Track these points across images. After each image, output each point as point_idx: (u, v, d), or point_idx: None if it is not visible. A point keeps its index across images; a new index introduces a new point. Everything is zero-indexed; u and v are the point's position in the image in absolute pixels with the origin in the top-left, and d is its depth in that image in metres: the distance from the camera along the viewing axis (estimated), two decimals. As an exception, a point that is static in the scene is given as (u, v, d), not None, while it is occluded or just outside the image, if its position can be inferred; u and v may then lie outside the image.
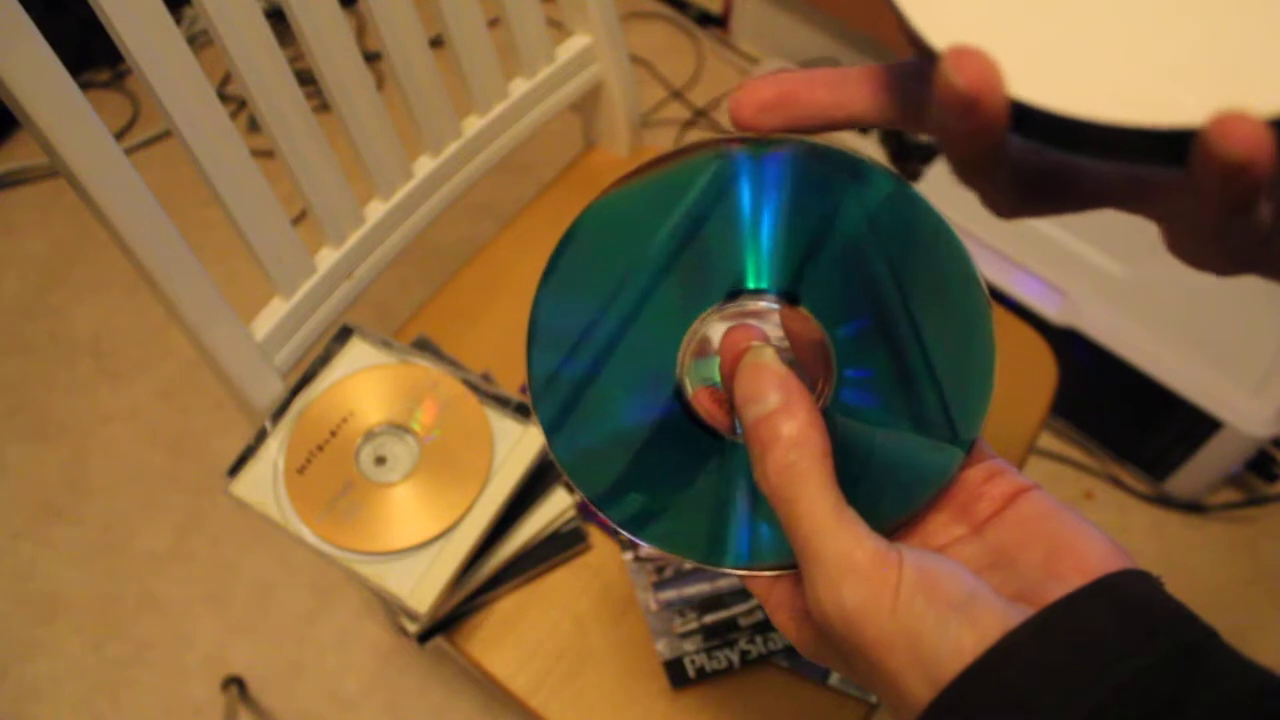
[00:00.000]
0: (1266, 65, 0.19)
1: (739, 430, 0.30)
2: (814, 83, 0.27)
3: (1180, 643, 0.22)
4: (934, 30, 0.21)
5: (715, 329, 0.30)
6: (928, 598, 0.24)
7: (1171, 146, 0.19)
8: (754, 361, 0.28)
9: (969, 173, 0.23)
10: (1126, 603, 0.23)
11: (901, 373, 0.30)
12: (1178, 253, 0.25)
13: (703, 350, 0.31)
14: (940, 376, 0.30)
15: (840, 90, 0.27)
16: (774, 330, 0.30)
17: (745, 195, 0.30)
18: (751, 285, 0.30)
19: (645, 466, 0.30)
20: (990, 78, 0.20)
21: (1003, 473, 0.29)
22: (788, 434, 0.26)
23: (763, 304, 0.30)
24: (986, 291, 0.30)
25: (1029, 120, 0.21)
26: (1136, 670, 0.21)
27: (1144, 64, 0.20)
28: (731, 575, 0.30)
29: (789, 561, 0.29)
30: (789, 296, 0.30)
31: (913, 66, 0.26)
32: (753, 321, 0.30)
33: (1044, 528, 0.27)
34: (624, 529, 0.30)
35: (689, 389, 0.31)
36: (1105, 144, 0.20)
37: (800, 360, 0.30)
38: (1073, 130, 0.20)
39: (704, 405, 0.30)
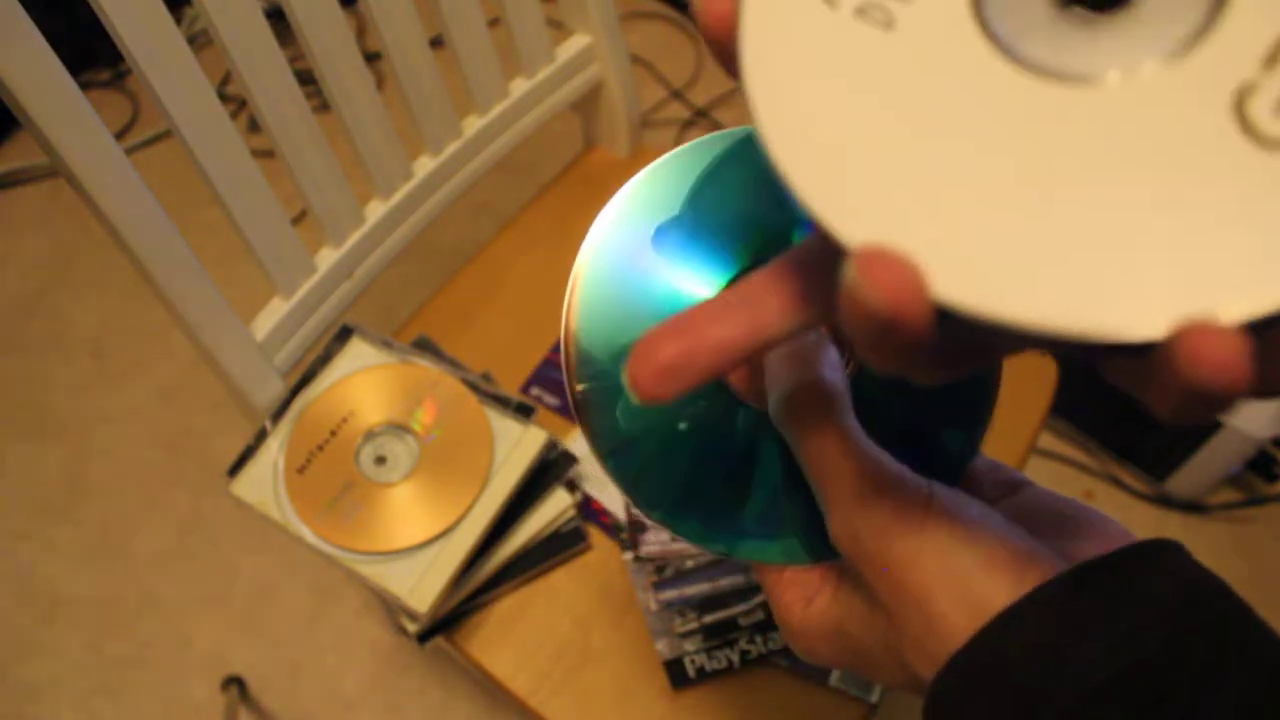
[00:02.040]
0: (1232, 257, 0.16)
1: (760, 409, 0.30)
2: (719, 319, 0.21)
3: (1218, 613, 0.22)
4: (837, 215, 0.18)
5: None
6: (958, 516, 0.24)
7: (1126, 351, 0.16)
8: None
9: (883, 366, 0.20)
10: (1164, 569, 0.23)
11: None
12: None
13: None
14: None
15: (754, 314, 0.21)
16: None
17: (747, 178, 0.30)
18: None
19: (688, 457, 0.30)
20: (911, 288, 0.16)
21: (999, 468, 0.30)
22: (816, 362, 0.27)
23: None
24: None
25: (956, 320, 0.17)
26: (1173, 634, 0.21)
27: (1091, 255, 0.17)
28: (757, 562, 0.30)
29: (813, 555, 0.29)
30: None
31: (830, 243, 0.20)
32: None
33: (1054, 509, 0.27)
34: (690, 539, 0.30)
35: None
36: (1049, 343, 0.17)
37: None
38: (1011, 333, 0.17)
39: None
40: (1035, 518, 0.26)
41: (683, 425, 0.30)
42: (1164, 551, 0.23)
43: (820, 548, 0.29)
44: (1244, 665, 0.21)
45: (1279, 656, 0.21)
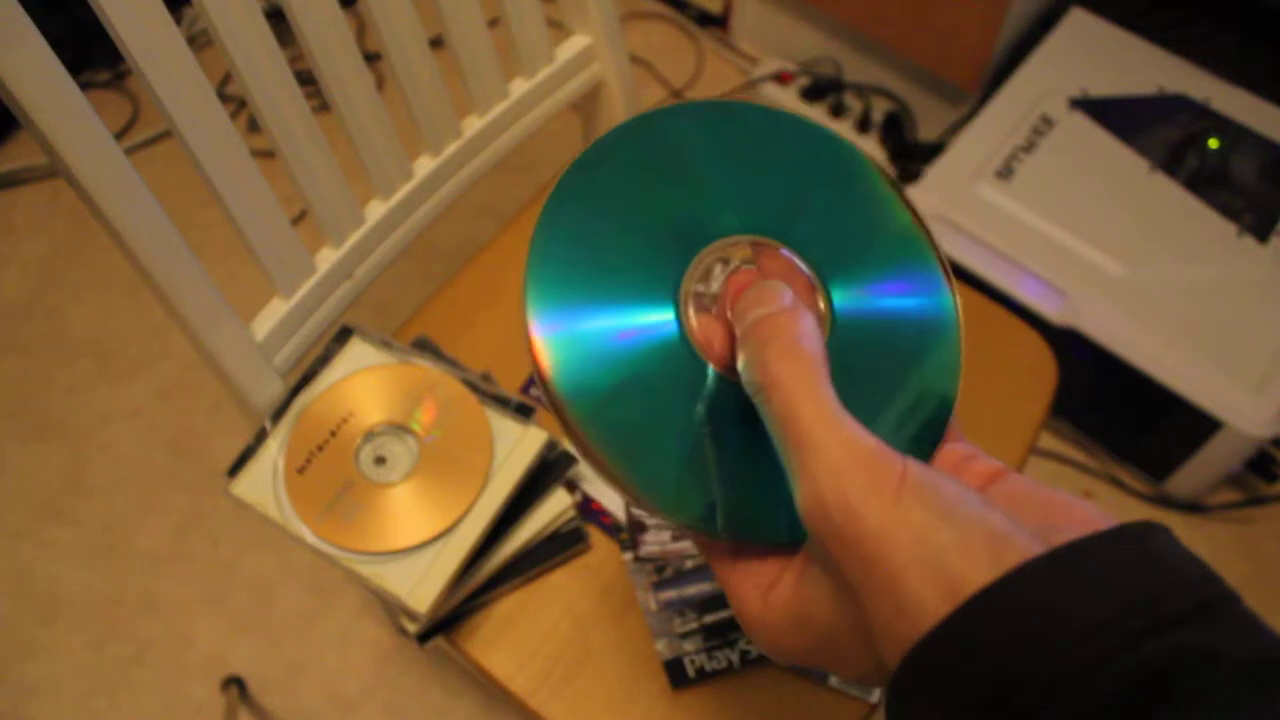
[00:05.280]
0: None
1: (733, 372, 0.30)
2: None
3: (1203, 599, 0.21)
4: None
5: (714, 271, 0.31)
6: (934, 492, 0.23)
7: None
8: (763, 283, 0.28)
9: None
10: (1148, 552, 0.22)
11: (881, 315, 0.31)
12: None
13: (700, 299, 0.31)
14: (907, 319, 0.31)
15: None
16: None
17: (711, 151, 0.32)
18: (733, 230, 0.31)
19: (647, 413, 0.29)
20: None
21: (978, 456, 0.29)
22: (795, 326, 0.26)
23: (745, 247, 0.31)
24: (908, 204, 0.32)
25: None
26: (1155, 621, 0.20)
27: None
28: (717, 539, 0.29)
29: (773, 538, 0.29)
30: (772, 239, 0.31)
31: None
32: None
33: (1035, 497, 0.26)
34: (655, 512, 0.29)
35: (690, 320, 0.30)
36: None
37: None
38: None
39: (701, 330, 0.30)
40: (1017, 505, 0.26)
41: (655, 398, 0.29)
42: (1148, 535, 0.22)
43: (782, 527, 0.28)
44: (1227, 654, 0.20)
45: (1263, 646, 0.21)
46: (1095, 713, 0.20)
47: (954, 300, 0.32)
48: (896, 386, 0.30)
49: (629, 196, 0.31)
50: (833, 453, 0.24)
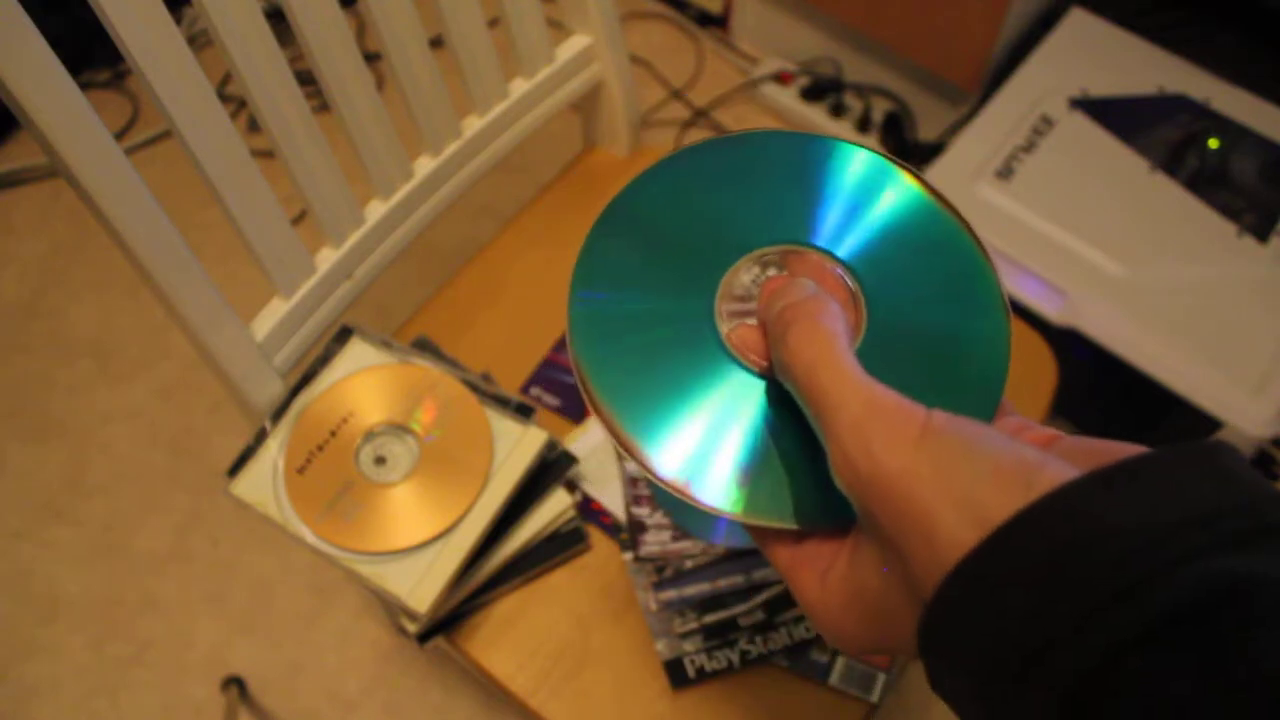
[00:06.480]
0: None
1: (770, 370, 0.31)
2: None
3: (1273, 524, 0.19)
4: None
5: (747, 275, 0.33)
6: (958, 433, 0.22)
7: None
8: (790, 280, 0.30)
9: None
10: (1216, 469, 0.20)
11: (929, 322, 0.31)
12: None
13: (739, 297, 0.32)
14: (963, 335, 0.31)
15: None
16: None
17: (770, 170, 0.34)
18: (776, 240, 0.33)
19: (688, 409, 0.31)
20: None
21: (1031, 426, 0.29)
22: (815, 308, 0.27)
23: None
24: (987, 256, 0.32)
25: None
26: (1220, 539, 0.19)
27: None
28: (774, 527, 0.30)
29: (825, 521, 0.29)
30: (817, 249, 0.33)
31: None
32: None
33: (1092, 449, 0.25)
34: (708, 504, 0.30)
35: (729, 330, 0.32)
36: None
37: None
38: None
39: (740, 338, 0.31)
40: (1073, 459, 0.24)
41: (715, 419, 0.31)
42: (1216, 452, 0.21)
43: (823, 510, 0.29)
44: None
45: None
46: (1140, 637, 0.18)
47: (999, 287, 0.32)
48: (942, 379, 0.31)
49: (653, 238, 0.33)
50: (853, 408, 0.24)
